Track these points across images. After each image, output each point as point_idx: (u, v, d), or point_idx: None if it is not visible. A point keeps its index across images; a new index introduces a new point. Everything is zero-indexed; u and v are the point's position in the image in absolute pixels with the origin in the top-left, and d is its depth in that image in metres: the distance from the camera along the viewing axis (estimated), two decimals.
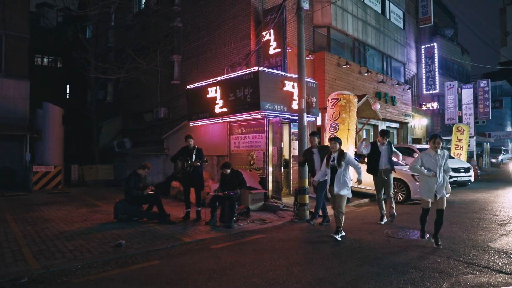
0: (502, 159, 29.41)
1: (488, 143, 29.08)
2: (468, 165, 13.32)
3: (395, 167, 10.21)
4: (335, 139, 6.33)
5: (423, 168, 5.47)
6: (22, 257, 4.94)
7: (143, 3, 16.59)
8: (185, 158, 7.45)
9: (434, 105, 22.17)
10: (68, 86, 25.28)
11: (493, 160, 28.80)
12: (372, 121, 15.32)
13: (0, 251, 5.24)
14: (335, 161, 6.15)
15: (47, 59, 25.73)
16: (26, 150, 14.40)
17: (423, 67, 22.11)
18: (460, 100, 23.77)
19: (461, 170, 12.52)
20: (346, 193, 6.12)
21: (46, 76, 23.83)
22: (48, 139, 13.99)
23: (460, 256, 4.95)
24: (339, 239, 5.91)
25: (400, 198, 9.83)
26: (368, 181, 10.33)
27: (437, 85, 21.77)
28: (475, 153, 23.81)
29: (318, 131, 11.74)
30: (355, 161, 6.41)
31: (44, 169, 13.25)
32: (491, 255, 4.97)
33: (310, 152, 7.45)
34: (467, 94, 23.92)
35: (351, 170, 6.59)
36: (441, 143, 5.46)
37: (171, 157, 7.89)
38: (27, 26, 15.25)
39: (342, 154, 6.19)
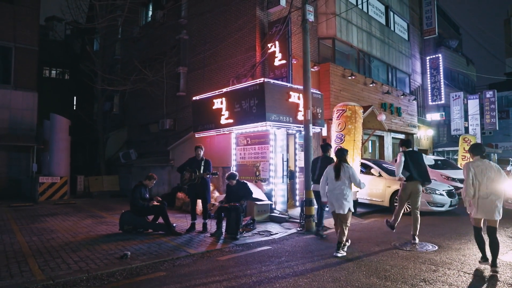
0: (510, 170, 29.02)
1: (496, 154, 28.81)
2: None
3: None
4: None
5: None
6: (27, 268, 4.92)
7: (149, 16, 16.86)
8: (193, 169, 7.43)
9: (440, 115, 22.08)
10: (75, 97, 25.63)
11: None
12: (378, 132, 15.29)
13: (6, 261, 5.24)
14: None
15: (55, 71, 26.14)
16: (33, 160, 14.49)
17: (428, 78, 22.11)
18: (466, 111, 23.66)
19: None
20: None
21: (54, 87, 24.21)
22: (54, 150, 14.08)
23: (471, 269, 4.85)
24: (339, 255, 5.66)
25: (407, 210, 9.70)
26: (374, 193, 10.30)
27: (443, 96, 21.73)
28: None
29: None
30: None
31: (50, 179, 13.30)
32: (502, 268, 4.87)
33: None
34: (473, 104, 23.83)
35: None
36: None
37: (177, 167, 7.87)
38: (36, 39, 15.52)
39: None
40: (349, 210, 5.79)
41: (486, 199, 4.77)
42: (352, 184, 5.92)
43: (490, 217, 4.80)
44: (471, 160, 5.09)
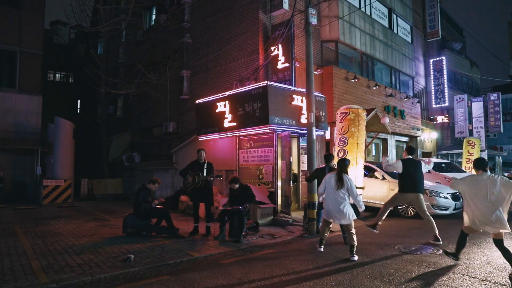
0: None
1: (500, 157, 28.62)
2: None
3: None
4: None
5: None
6: (31, 271, 4.94)
7: (153, 20, 16.95)
8: (196, 172, 7.42)
9: (444, 118, 21.99)
10: (79, 101, 25.76)
11: (506, 174, 28.26)
12: (381, 135, 15.24)
13: (10, 264, 5.25)
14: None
15: (59, 75, 26.31)
16: (37, 163, 14.56)
17: (432, 80, 22.02)
18: (470, 113, 23.53)
19: None
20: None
21: (58, 91, 24.36)
22: (58, 153, 14.15)
23: (476, 273, 4.81)
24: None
25: (411, 213, 9.66)
26: (378, 196, 10.26)
27: (446, 99, 21.63)
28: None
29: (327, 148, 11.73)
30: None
31: (54, 182, 13.36)
32: (508, 272, 4.82)
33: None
34: (477, 107, 23.70)
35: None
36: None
37: (180, 171, 7.87)
38: (41, 43, 15.65)
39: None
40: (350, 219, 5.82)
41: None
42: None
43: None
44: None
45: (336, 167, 6.32)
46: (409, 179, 6.87)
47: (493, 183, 4.69)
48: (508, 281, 4.50)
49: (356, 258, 5.63)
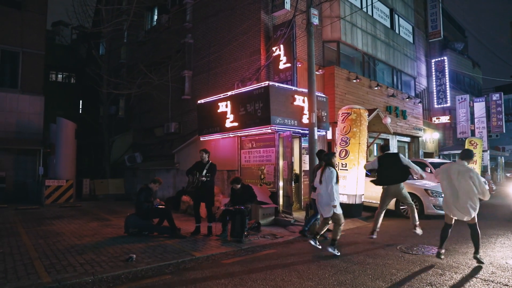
0: None
1: (503, 157, 28.56)
2: (482, 179, 13.07)
3: (409, 181, 10.09)
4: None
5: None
6: (34, 270, 4.95)
7: (155, 20, 16.97)
8: (195, 172, 7.44)
9: (446, 118, 21.96)
10: (81, 101, 25.81)
11: (508, 174, 28.19)
12: (383, 135, 15.22)
13: (12, 264, 5.27)
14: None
15: (61, 75, 26.36)
16: (39, 164, 14.60)
17: (434, 80, 22.00)
18: (472, 114, 23.51)
19: None
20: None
21: (60, 91, 24.42)
22: (60, 153, 14.18)
23: (478, 273, 4.80)
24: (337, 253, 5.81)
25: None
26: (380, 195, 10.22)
27: (448, 99, 21.61)
28: (489, 167, 23.38)
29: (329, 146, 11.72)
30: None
31: (56, 183, 13.39)
32: (510, 272, 4.81)
33: None
34: (479, 107, 23.68)
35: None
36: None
37: (186, 170, 7.87)
38: (43, 44, 15.69)
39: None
40: (334, 212, 5.90)
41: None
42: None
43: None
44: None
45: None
46: (383, 172, 7.02)
47: (465, 173, 5.09)
48: (511, 281, 4.49)
49: (330, 250, 5.78)
